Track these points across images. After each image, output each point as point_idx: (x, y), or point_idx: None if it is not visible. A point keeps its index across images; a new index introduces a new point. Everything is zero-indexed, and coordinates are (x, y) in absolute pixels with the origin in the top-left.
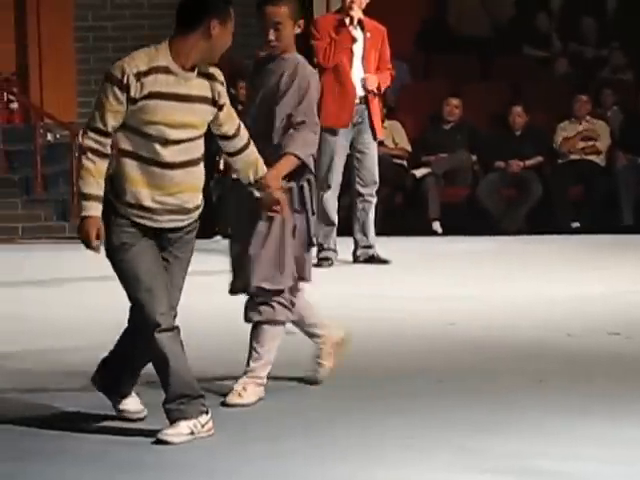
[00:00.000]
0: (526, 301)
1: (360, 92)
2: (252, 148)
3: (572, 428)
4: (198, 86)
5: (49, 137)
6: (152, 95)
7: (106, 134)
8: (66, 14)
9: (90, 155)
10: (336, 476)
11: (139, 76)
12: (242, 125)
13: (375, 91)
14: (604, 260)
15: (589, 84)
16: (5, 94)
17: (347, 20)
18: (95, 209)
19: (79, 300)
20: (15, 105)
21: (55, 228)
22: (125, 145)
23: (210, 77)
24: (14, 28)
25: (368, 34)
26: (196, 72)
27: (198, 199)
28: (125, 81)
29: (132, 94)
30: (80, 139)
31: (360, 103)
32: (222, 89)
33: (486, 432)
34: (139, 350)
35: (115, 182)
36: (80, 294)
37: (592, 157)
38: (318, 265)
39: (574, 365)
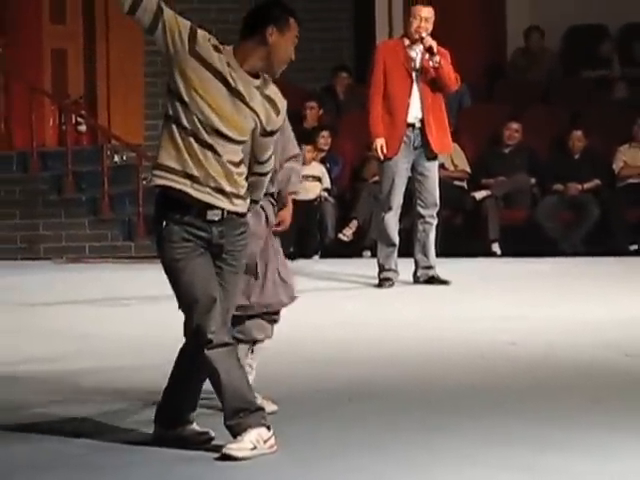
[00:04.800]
0: (584, 322)
1: (419, 115)
2: (266, 179)
3: (631, 448)
4: (253, 97)
5: (116, 159)
6: (202, 60)
7: None
8: (135, 38)
9: None
10: None
11: (209, 41)
12: (272, 158)
13: (432, 49)
14: None
15: None
16: (74, 116)
17: (412, 49)
18: None
19: (143, 319)
20: (83, 127)
21: (121, 248)
22: (171, 111)
23: (270, 101)
24: (83, 51)
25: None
26: (259, 83)
27: (233, 188)
28: (196, 35)
29: (194, 44)
30: None
31: (421, 126)
32: (277, 119)
33: (547, 451)
34: (194, 369)
35: (161, 150)
36: (144, 313)
37: None
38: (379, 285)
39: (632, 385)
